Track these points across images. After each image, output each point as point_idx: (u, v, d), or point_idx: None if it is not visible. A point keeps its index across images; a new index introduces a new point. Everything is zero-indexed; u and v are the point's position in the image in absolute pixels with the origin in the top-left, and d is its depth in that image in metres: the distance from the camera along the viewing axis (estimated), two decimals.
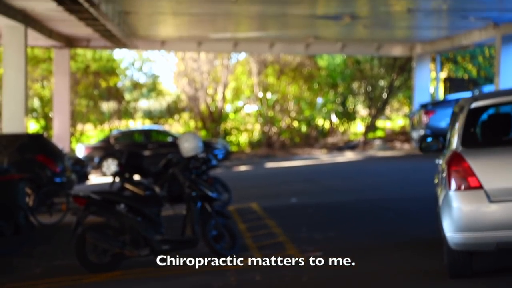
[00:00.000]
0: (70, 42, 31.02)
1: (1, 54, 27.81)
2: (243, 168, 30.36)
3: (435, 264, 9.10)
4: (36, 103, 39.09)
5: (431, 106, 28.67)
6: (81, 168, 22.46)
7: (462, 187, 7.96)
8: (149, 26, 28.79)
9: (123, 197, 10.61)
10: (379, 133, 40.72)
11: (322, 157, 34.11)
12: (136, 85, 42.53)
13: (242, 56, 42.00)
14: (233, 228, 10.74)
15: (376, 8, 23.94)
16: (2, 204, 12.77)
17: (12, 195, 13.16)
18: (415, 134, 29.14)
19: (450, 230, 8.06)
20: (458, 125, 8.48)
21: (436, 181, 9.94)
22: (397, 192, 17.36)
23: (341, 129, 41.38)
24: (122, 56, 43.12)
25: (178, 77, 41.83)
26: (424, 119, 28.16)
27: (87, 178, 23.40)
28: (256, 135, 41.10)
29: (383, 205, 15.27)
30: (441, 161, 9.18)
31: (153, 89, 43.03)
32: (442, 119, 27.07)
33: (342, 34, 30.65)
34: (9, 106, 23.47)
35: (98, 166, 29.12)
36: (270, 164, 31.37)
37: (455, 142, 8.39)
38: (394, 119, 43.95)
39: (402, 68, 39.38)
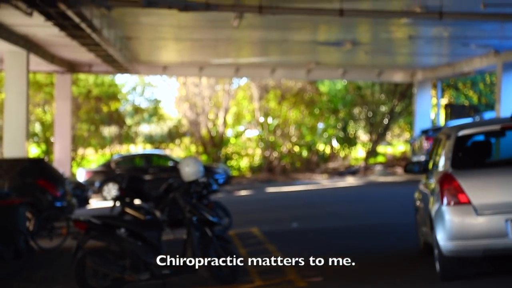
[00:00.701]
0: (72, 67, 31.14)
1: (3, 79, 27.90)
2: (243, 192, 30.34)
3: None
4: (37, 127, 39.16)
5: (432, 132, 28.70)
6: (81, 192, 22.47)
7: (453, 202, 9.40)
8: (150, 52, 28.93)
9: (123, 221, 10.60)
10: (380, 159, 40.74)
11: (323, 182, 34.10)
12: (137, 110, 42.64)
13: (244, 81, 42.15)
14: (234, 253, 10.70)
15: (377, 34, 24.06)
16: (3, 228, 12.75)
17: (12, 220, 13.12)
18: (416, 160, 29.14)
19: (443, 239, 9.44)
20: (446, 150, 9.99)
21: (416, 196, 11.89)
22: (398, 217, 17.33)
23: (342, 154, 41.42)
24: (123, 81, 43.30)
25: (180, 102, 41.95)
26: (425, 145, 28.20)
27: (87, 203, 23.40)
28: (257, 159, 41.12)
29: (384, 230, 15.25)
30: (431, 181, 10.51)
31: (154, 113, 43.15)
32: None
33: (343, 60, 30.78)
34: (10, 131, 23.52)
35: (99, 191, 29.11)
36: (271, 189, 31.35)
37: (445, 164, 9.85)
38: (395, 145, 44.00)
39: (403, 94, 39.50)
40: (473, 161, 9.93)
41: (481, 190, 9.40)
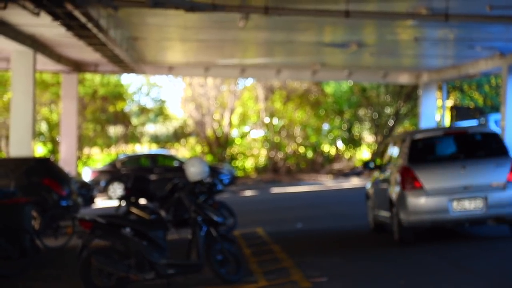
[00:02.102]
0: (78, 67, 31.22)
1: (9, 78, 27.99)
2: (248, 193, 30.39)
3: None
4: (43, 127, 39.28)
5: None
6: (87, 191, 22.56)
7: (410, 187, 12.83)
8: (157, 52, 28.99)
9: (128, 221, 10.63)
10: None
11: (327, 183, 34.12)
12: (143, 110, 42.73)
13: (249, 82, 42.21)
14: (238, 253, 10.75)
15: (382, 36, 24.08)
16: (8, 227, 12.81)
17: (18, 218, 13.19)
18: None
19: (403, 215, 12.86)
20: (403, 149, 13.45)
21: (367, 187, 15.69)
22: None
23: (347, 155, 41.44)
24: (129, 81, 43.44)
25: (185, 102, 42.03)
26: None
27: (93, 202, 23.49)
28: (262, 160, 41.17)
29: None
30: (388, 173, 13.99)
31: (160, 113, 43.24)
32: None
33: (349, 61, 30.80)
34: (17, 130, 23.61)
35: (105, 190, 29.21)
36: (276, 190, 31.39)
37: (403, 160, 13.25)
38: None
39: (409, 96, 39.49)
40: (424, 157, 13.37)
41: (430, 178, 12.86)
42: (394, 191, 13.17)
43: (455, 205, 12.69)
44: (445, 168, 13.01)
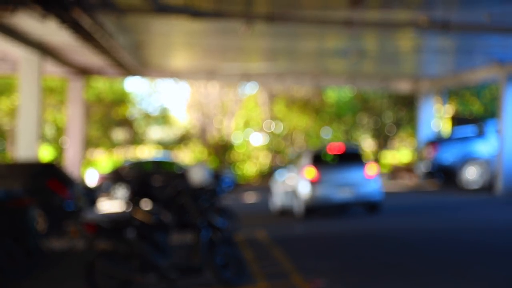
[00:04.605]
0: (84, 71, 31.42)
1: (17, 83, 28.21)
2: (250, 197, 30.53)
3: None
4: (50, 130, 39.49)
5: (436, 141, 28.91)
6: (91, 194, 22.75)
7: (312, 179, 19.37)
8: (161, 57, 29.19)
9: (132, 224, 10.82)
10: (385, 166, 40.87)
11: None
12: (146, 116, 42.96)
13: (252, 87, 42.41)
14: (239, 256, 10.91)
15: (383, 45, 24.29)
16: (14, 228, 12.98)
17: (23, 220, 13.35)
18: (421, 168, 29.38)
19: (307, 198, 19.39)
20: (307, 157, 20.17)
21: (273, 186, 22.39)
22: (400, 223, 17.54)
23: None
24: (134, 87, 43.72)
25: (189, 107, 42.24)
26: (430, 153, 28.41)
27: (97, 205, 23.66)
28: (263, 165, 41.34)
29: (387, 235, 15.46)
30: (294, 172, 20.63)
31: (163, 119, 43.46)
32: (446, 154, 27.51)
33: (350, 68, 30.99)
34: (23, 134, 23.82)
35: (109, 194, 29.42)
36: None
37: (308, 161, 19.86)
38: (401, 152, 44.12)
39: (409, 103, 39.65)
40: (320, 162, 20.01)
41: (325, 173, 19.48)
42: (299, 183, 19.70)
43: (337, 193, 19.48)
44: (332, 169, 19.93)
